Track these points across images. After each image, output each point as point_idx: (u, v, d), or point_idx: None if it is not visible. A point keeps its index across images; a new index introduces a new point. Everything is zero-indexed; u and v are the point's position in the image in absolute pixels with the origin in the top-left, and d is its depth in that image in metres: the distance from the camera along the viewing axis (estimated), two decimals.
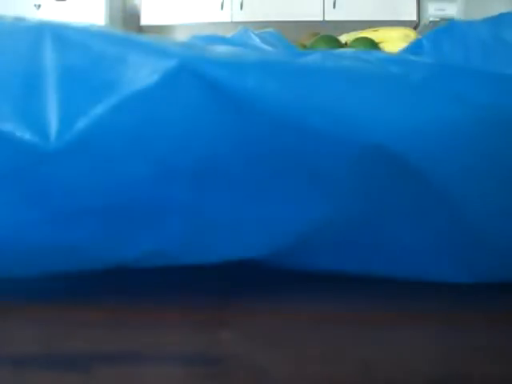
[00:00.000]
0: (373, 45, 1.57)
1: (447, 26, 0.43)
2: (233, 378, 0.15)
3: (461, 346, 0.17)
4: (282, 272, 0.23)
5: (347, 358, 0.16)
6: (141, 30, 2.96)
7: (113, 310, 0.20)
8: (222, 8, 2.84)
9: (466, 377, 0.15)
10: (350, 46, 1.58)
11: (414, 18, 2.77)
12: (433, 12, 2.51)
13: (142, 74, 0.18)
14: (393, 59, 0.24)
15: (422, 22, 2.71)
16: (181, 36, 2.86)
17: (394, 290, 0.22)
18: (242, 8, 2.83)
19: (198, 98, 0.18)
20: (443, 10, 2.45)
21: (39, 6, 2.55)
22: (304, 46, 1.60)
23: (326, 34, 1.65)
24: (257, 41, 0.49)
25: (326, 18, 2.81)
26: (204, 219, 0.19)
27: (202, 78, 0.18)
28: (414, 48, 0.44)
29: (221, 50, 0.20)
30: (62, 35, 0.18)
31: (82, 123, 0.17)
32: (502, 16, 0.40)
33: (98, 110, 0.17)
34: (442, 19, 2.35)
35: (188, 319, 0.19)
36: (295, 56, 0.21)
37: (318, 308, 0.21)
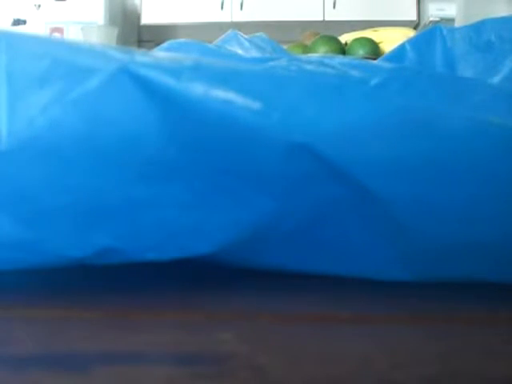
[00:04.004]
0: (373, 45, 1.57)
1: (429, 31, 0.44)
2: (233, 377, 0.15)
3: (461, 346, 0.17)
4: (282, 273, 0.23)
5: (347, 357, 0.16)
6: (141, 29, 2.96)
7: (113, 310, 0.20)
8: (222, 8, 2.84)
9: (466, 377, 0.15)
10: (350, 46, 1.58)
11: (414, 18, 2.77)
12: (433, 12, 2.51)
13: (86, 77, 0.19)
14: (353, 64, 0.25)
15: (422, 22, 2.71)
16: (181, 36, 2.86)
17: (394, 290, 0.22)
18: (242, 8, 2.83)
19: (136, 98, 0.19)
20: (443, 10, 2.46)
21: (39, 5, 2.55)
22: (305, 46, 1.60)
23: (325, 34, 1.65)
24: (246, 44, 0.50)
25: (326, 18, 2.81)
26: (151, 217, 0.20)
27: (137, 79, 0.19)
28: (398, 52, 0.45)
29: (160, 55, 0.22)
30: (13, 43, 0.20)
31: (33, 124, 0.19)
32: (483, 22, 0.41)
33: (49, 111, 0.19)
34: (442, 19, 2.35)
35: (188, 319, 0.19)
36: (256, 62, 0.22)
37: (317, 308, 0.21)
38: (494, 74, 0.36)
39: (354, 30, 1.75)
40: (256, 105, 0.19)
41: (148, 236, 0.20)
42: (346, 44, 1.62)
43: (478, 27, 0.41)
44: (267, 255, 0.23)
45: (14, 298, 0.21)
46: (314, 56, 0.36)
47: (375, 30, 1.70)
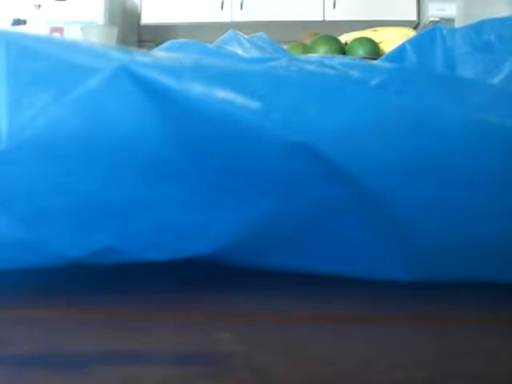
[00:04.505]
0: (373, 45, 1.58)
1: (429, 31, 0.44)
2: (233, 378, 0.15)
3: (461, 346, 0.17)
4: (282, 273, 0.23)
5: (347, 357, 0.16)
6: (141, 29, 2.96)
7: (113, 310, 0.20)
8: (222, 8, 2.84)
9: (466, 377, 0.15)
10: (350, 46, 1.58)
11: (414, 18, 2.78)
12: (433, 12, 2.51)
13: (86, 76, 0.19)
14: (353, 64, 0.26)
15: (422, 22, 2.71)
16: (181, 36, 2.86)
17: (394, 290, 0.22)
18: (242, 8, 2.83)
19: (136, 97, 0.19)
20: (443, 9, 2.46)
21: (39, 5, 2.55)
22: (305, 46, 1.60)
23: (325, 34, 1.65)
24: (246, 44, 0.50)
25: (326, 18, 2.81)
26: (151, 216, 0.20)
27: (137, 79, 0.19)
28: (398, 52, 0.45)
29: (160, 55, 0.22)
30: (13, 43, 0.20)
31: (32, 124, 0.19)
32: (483, 22, 0.41)
33: (49, 111, 0.19)
34: (442, 19, 2.35)
35: (187, 319, 0.19)
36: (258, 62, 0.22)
37: (317, 308, 0.21)
38: (495, 75, 0.36)
39: (354, 30, 1.75)
40: (256, 105, 0.19)
41: (148, 236, 0.20)
42: (346, 44, 1.62)
43: (478, 27, 0.42)
44: (267, 255, 0.23)
45: (13, 298, 0.21)
46: (313, 56, 0.36)
47: (375, 30, 1.70)
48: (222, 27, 2.57)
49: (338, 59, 0.29)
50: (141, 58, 0.20)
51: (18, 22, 2.53)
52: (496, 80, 0.36)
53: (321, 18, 2.82)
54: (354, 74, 0.24)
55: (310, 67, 0.23)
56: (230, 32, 0.53)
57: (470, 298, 0.22)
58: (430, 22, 2.46)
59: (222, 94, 0.19)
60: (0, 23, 2.45)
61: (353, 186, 0.20)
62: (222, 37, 0.54)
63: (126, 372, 0.15)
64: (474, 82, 0.29)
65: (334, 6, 2.80)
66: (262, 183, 0.20)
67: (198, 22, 2.85)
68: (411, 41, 0.46)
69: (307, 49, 1.55)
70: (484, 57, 0.39)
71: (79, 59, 0.20)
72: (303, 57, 0.36)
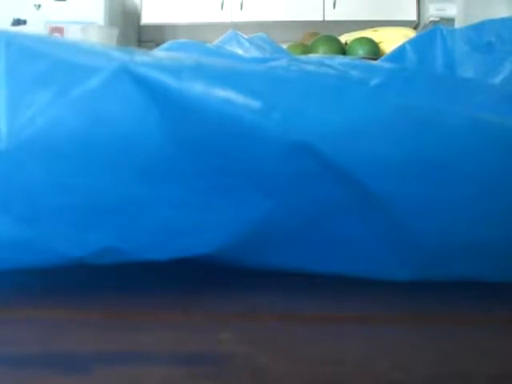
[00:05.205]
0: (373, 45, 1.58)
1: (430, 32, 0.44)
2: (233, 377, 0.15)
3: (461, 346, 0.17)
4: (282, 273, 0.23)
5: (347, 357, 0.16)
6: (141, 29, 2.96)
7: (113, 310, 0.20)
8: (222, 8, 2.84)
9: (466, 377, 0.15)
10: (350, 46, 1.58)
11: (414, 18, 2.78)
12: (433, 12, 2.51)
13: (86, 76, 0.19)
14: (353, 64, 0.26)
15: (422, 22, 2.71)
16: (181, 36, 2.86)
17: (394, 290, 0.22)
18: (241, 8, 2.83)
19: (136, 97, 0.19)
20: (443, 9, 2.45)
21: (39, 6, 2.55)
22: (305, 46, 1.60)
23: (325, 34, 1.65)
24: (246, 44, 0.50)
25: (326, 18, 2.81)
26: (151, 216, 0.20)
27: (137, 79, 0.19)
28: (398, 52, 0.46)
29: (160, 55, 0.22)
30: (13, 43, 0.20)
31: (33, 123, 0.19)
32: (483, 23, 0.41)
33: (49, 110, 0.19)
34: (442, 19, 2.35)
35: (188, 319, 0.19)
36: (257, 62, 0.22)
37: (317, 308, 0.21)
38: (495, 75, 0.36)
39: (354, 30, 1.75)
40: (256, 105, 0.19)
41: (148, 236, 0.20)
42: (346, 44, 1.62)
43: (479, 28, 0.42)
44: (267, 255, 0.23)
45: (14, 298, 0.21)
46: (314, 56, 0.36)
47: (375, 30, 1.70)
48: (222, 27, 2.58)
49: (338, 59, 0.29)
50: (141, 57, 0.20)
51: (18, 22, 2.53)
52: (496, 80, 0.36)
53: (321, 18, 2.82)
54: (354, 74, 0.24)
55: (309, 67, 0.23)
56: (230, 32, 0.53)
57: (470, 298, 0.22)
58: (430, 21, 2.46)
59: (222, 93, 0.19)
60: (0, 23, 2.45)
61: (353, 185, 0.20)
62: (222, 37, 0.54)
63: (126, 372, 0.15)
64: (474, 82, 0.29)
65: (334, 6, 2.80)
66: (263, 183, 0.20)
67: (197, 22, 2.85)
68: (411, 41, 0.46)
69: (307, 49, 1.55)
70: (484, 57, 0.39)
71: (79, 59, 0.20)
72: (303, 57, 0.36)
